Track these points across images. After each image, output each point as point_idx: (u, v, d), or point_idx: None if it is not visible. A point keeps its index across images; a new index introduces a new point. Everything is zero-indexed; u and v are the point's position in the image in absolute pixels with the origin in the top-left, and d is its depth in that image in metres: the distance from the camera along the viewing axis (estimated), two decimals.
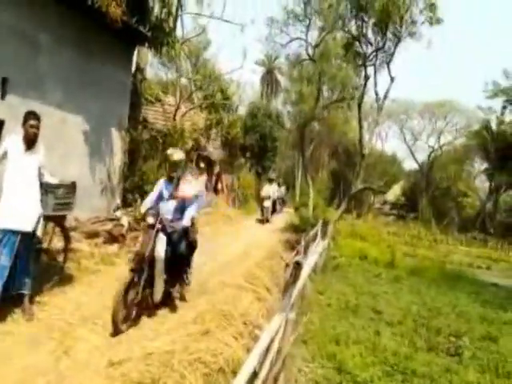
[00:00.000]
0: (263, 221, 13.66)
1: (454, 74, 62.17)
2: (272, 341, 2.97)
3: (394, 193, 39.32)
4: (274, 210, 14.64)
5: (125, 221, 6.76)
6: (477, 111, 32.04)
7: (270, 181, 15.53)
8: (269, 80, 37.65)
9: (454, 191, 31.89)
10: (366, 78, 13.63)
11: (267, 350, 2.89)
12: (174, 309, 4.33)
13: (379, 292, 7.36)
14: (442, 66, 68.80)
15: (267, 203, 13.89)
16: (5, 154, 3.61)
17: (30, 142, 3.70)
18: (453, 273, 10.26)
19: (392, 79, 13.05)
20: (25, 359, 2.94)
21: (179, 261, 4.27)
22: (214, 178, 16.06)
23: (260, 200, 14.50)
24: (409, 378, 4.08)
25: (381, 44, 12.94)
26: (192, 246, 4.55)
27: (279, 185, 18.88)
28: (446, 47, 56.57)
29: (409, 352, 4.71)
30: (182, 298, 4.62)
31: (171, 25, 9.63)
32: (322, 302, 6.21)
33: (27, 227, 3.57)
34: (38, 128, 3.72)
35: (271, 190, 14.47)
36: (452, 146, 36.68)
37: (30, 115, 3.71)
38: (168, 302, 4.33)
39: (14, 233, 3.51)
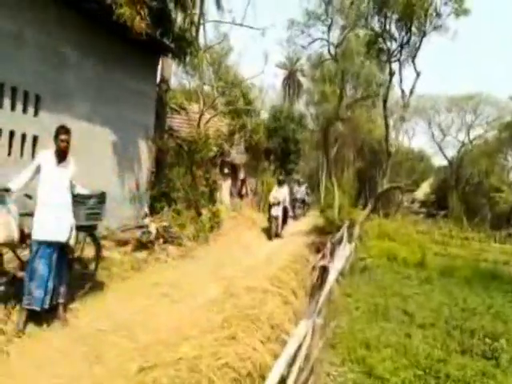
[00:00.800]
0: (271, 236, 10.52)
1: (482, 65, 59.91)
2: (300, 346, 2.97)
3: (423, 190, 38.20)
4: (284, 220, 11.27)
5: (153, 228, 6.94)
6: (509, 102, 30.70)
7: (280, 183, 11.56)
8: (290, 82, 37.60)
9: (485, 186, 30.58)
10: (391, 74, 13.36)
11: (295, 355, 2.90)
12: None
13: (409, 293, 7.18)
14: (468, 58, 66.30)
15: (276, 211, 10.61)
16: (38, 168, 3.79)
17: (62, 156, 3.87)
18: (487, 271, 9.85)
19: (418, 74, 12.74)
20: (59, 365, 3.07)
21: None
22: (238, 183, 16.16)
23: (268, 208, 11.24)
24: (442, 382, 3.96)
25: (405, 39, 12.64)
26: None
27: (299, 183, 17.75)
28: (472, 38, 54.44)
29: (442, 355, 4.57)
30: None
31: (194, 34, 9.84)
32: (350, 306, 6.12)
33: (61, 238, 3.73)
34: (68, 142, 3.89)
35: (281, 195, 10.95)
36: (483, 140, 35.25)
37: (61, 129, 3.88)
38: None
39: (49, 244, 3.68)
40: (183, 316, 4.28)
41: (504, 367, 4.42)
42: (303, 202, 16.82)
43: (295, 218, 15.12)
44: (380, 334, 5.08)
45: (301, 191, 16.66)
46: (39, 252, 3.66)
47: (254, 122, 17.89)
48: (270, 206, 10.76)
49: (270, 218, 10.65)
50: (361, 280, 7.84)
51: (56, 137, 3.85)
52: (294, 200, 15.64)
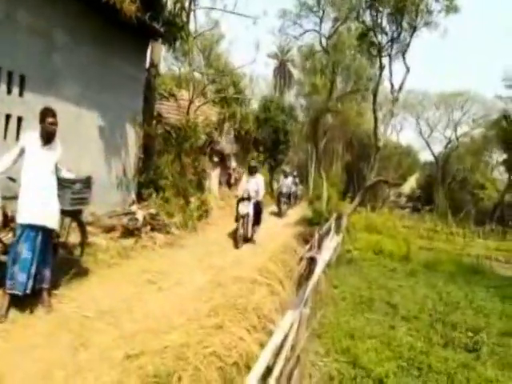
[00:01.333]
0: (237, 242, 7.73)
1: (470, 63, 60.63)
2: (286, 336, 2.97)
3: (410, 185, 38.78)
4: (257, 220, 8.41)
5: (140, 215, 6.84)
6: (496, 101, 31.18)
7: (252, 171, 8.72)
8: (281, 72, 37.44)
9: (470, 183, 31.24)
10: (381, 68, 13.40)
11: (281, 345, 2.90)
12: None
13: (394, 286, 7.30)
14: (456, 56, 66.99)
15: (245, 208, 7.92)
16: (22, 151, 3.67)
17: (48, 139, 3.75)
18: (470, 266, 10.08)
19: (407, 69, 12.80)
20: (43, 351, 3.01)
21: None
22: (227, 172, 16.08)
23: (236, 203, 8.41)
24: (424, 374, 4.05)
25: (396, 34, 12.69)
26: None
27: (285, 174, 15.38)
28: (461, 36, 54.92)
29: (425, 347, 4.67)
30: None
31: (184, 19, 9.63)
32: (336, 297, 6.19)
33: (46, 222, 3.63)
34: (55, 124, 3.77)
35: (253, 187, 8.29)
36: (469, 137, 35.87)
37: (48, 112, 3.75)
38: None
39: (33, 228, 3.58)
40: (170, 304, 4.24)
41: (484, 360, 4.55)
42: (289, 196, 14.81)
43: (280, 214, 13.60)
44: (365, 326, 5.16)
45: (286, 184, 14.55)
46: (23, 236, 3.57)
47: (244, 112, 17.76)
48: (239, 201, 8.14)
49: (238, 217, 7.97)
50: (347, 271, 7.94)
51: (43, 119, 3.72)
52: (279, 194, 14.24)
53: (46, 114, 3.73)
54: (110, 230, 6.23)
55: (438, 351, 4.62)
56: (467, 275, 9.11)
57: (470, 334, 5.21)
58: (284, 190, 14.15)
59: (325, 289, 6.25)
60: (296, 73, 36.50)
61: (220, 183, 14.98)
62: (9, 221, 3.82)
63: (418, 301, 6.58)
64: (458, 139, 36.36)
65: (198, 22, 13.80)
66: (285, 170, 16.61)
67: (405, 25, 12.39)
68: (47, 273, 3.77)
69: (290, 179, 15.34)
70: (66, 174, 4.07)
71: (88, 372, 2.79)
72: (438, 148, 37.89)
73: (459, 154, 34.78)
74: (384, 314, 5.77)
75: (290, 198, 15.07)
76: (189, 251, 6.79)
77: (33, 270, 3.59)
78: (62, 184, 3.96)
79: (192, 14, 12.11)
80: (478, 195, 29.16)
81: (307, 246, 8.31)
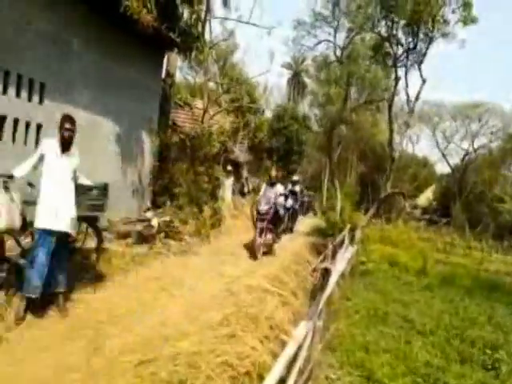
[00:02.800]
0: (255, 253, 7.38)
1: (489, 74, 59.82)
2: (300, 347, 2.93)
3: (426, 197, 38.14)
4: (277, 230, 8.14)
5: (154, 222, 6.91)
6: None
7: (272, 182, 8.28)
8: (295, 83, 37.60)
9: (489, 196, 30.53)
10: (397, 79, 13.35)
11: (295, 356, 2.86)
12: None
13: (410, 300, 7.13)
14: (475, 66, 66.21)
15: (261, 219, 7.56)
16: (42, 157, 3.75)
17: (66, 145, 3.83)
18: (488, 282, 9.79)
19: (424, 80, 12.73)
20: (58, 355, 3.04)
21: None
22: (240, 181, 16.13)
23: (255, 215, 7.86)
24: None
25: (412, 45, 12.65)
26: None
27: (293, 183, 12.44)
28: (480, 46, 54.39)
29: (441, 363, 4.53)
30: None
31: (200, 30, 9.81)
32: (350, 309, 6.08)
33: (63, 228, 3.70)
34: (73, 131, 3.85)
35: (271, 196, 7.86)
36: (487, 150, 35.19)
37: (66, 119, 3.84)
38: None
39: (51, 233, 3.65)
40: (183, 311, 4.24)
41: (504, 379, 4.38)
42: (292, 210, 11.20)
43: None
44: (379, 339, 5.04)
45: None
46: (40, 240, 3.63)
47: (257, 121, 17.88)
48: (257, 212, 7.74)
49: (256, 227, 7.64)
50: (361, 284, 7.80)
51: (61, 126, 3.81)
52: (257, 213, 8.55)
53: (64, 120, 3.82)
54: (124, 236, 6.31)
55: (454, 368, 4.47)
56: (486, 291, 8.84)
57: (489, 351, 5.03)
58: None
59: (338, 301, 6.15)
60: (310, 83, 36.60)
61: (233, 192, 15.03)
62: (27, 225, 3.89)
63: (434, 315, 6.41)
64: (475, 151, 35.74)
65: (213, 32, 13.97)
66: (292, 179, 12.93)
67: (421, 35, 12.36)
68: (63, 277, 3.83)
69: (296, 188, 11.94)
70: (83, 181, 4.14)
71: (101, 376, 2.81)
72: (455, 160, 37.32)
73: (477, 166, 34.11)
74: (399, 327, 5.63)
75: (293, 214, 11.30)
76: (201, 259, 6.81)
77: (50, 275, 3.65)
78: (80, 191, 4.03)
79: (207, 24, 12.32)
80: (496, 209, 28.45)
81: (320, 257, 8.22)
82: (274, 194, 7.98)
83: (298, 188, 12.71)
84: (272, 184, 8.26)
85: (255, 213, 7.84)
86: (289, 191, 10.81)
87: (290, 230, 11.56)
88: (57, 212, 3.67)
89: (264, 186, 8.53)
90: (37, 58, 5.41)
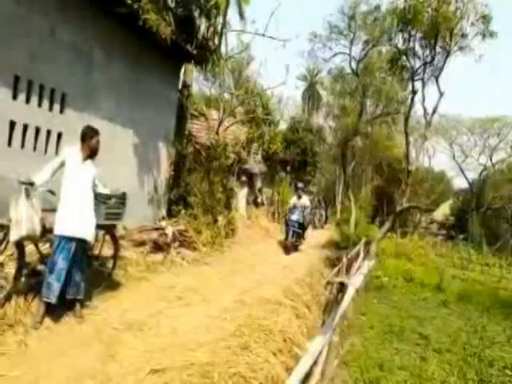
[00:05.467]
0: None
1: (508, 87, 58.85)
2: (315, 362, 2.90)
3: (443, 212, 37.47)
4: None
5: (169, 230, 6.97)
6: None
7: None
8: (310, 94, 37.71)
9: (508, 212, 29.79)
10: (414, 92, 13.28)
11: (309, 371, 2.83)
12: None
13: (426, 316, 6.98)
14: (492, 80, 65.28)
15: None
16: (62, 163, 3.84)
17: (91, 155, 3.95)
18: (507, 300, 9.50)
19: (441, 94, 12.62)
20: (74, 360, 3.08)
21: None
22: (254, 192, 16.17)
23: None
24: None
25: (429, 58, 12.59)
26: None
27: (299, 195, 10.74)
28: (496, 60, 53.67)
29: (458, 383, 4.40)
30: None
31: (216, 42, 9.99)
32: (364, 324, 5.99)
33: (82, 235, 3.78)
34: (98, 141, 3.99)
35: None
36: (506, 164, 34.45)
37: (94, 131, 3.98)
38: None
39: (70, 240, 3.72)
40: (196, 321, 4.25)
41: None
42: (301, 226, 10.18)
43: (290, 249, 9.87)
44: (394, 356, 4.94)
45: (299, 208, 10.18)
46: (60, 247, 3.71)
47: (272, 132, 17.95)
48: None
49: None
50: (375, 299, 7.68)
51: (90, 137, 3.92)
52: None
53: (93, 132, 3.95)
54: (140, 244, 6.37)
55: None
56: (505, 309, 8.56)
57: (509, 372, 4.87)
58: (294, 217, 10.04)
59: (353, 316, 6.06)
60: (325, 95, 36.67)
61: (247, 202, 15.06)
62: (47, 232, 3.98)
63: (450, 333, 6.24)
64: (494, 166, 35.03)
65: (229, 44, 14.21)
66: (298, 186, 11.64)
67: (438, 49, 12.31)
68: (82, 284, 3.89)
69: (304, 200, 10.91)
70: (102, 190, 4.22)
71: (116, 383, 2.82)
72: (473, 174, 36.63)
73: (496, 181, 33.38)
74: (414, 344, 5.51)
75: (302, 230, 10.61)
76: (215, 269, 6.81)
77: (68, 280, 3.71)
78: (98, 199, 4.11)
79: (224, 37, 12.52)
80: None
81: (335, 270, 8.15)
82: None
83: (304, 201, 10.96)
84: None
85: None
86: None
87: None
88: (76, 219, 3.76)
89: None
90: (60, 69, 5.55)
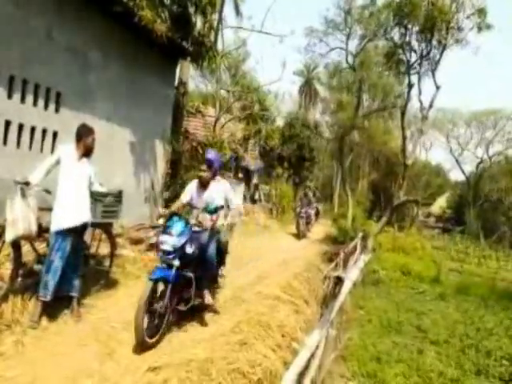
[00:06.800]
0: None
1: (504, 80, 58.89)
2: (312, 356, 2.91)
3: (439, 205, 37.64)
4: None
5: None
6: None
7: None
8: (307, 90, 37.64)
9: (505, 204, 29.94)
10: (410, 86, 13.27)
11: (307, 365, 2.84)
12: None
13: (423, 309, 7.03)
14: (488, 73, 65.36)
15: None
16: (58, 161, 3.80)
17: (88, 154, 3.93)
18: (505, 291, 9.58)
19: (438, 87, 12.62)
20: (71, 359, 3.08)
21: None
22: (251, 188, 16.17)
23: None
24: None
25: (425, 52, 12.58)
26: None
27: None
28: (492, 52, 53.68)
29: (456, 374, 4.44)
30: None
31: (212, 39, 9.93)
32: (362, 318, 6.02)
33: (78, 221, 3.73)
34: (94, 140, 3.98)
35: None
36: (503, 157, 34.59)
37: (89, 129, 3.95)
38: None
39: (65, 236, 3.70)
40: (194, 318, 4.25)
41: None
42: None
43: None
44: (392, 349, 4.98)
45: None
46: (56, 245, 3.69)
47: (269, 128, 17.93)
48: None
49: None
50: (373, 293, 7.72)
51: (86, 136, 3.89)
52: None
53: (89, 131, 3.92)
54: (137, 242, 6.36)
55: (470, 379, 4.39)
56: (502, 301, 8.63)
57: (506, 362, 4.92)
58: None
59: (350, 309, 6.09)
60: (322, 90, 36.63)
61: (244, 199, 15.07)
62: (43, 231, 3.97)
63: (448, 325, 6.29)
64: (490, 159, 35.15)
65: (225, 40, 14.12)
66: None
67: (434, 42, 12.29)
68: (77, 282, 3.88)
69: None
70: (98, 188, 4.20)
71: (114, 382, 2.83)
72: (469, 167, 36.77)
73: (492, 174, 33.53)
74: (412, 337, 5.55)
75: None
76: None
77: (63, 278, 3.70)
78: (94, 197, 4.09)
79: (220, 33, 12.46)
80: None
81: (332, 265, 8.18)
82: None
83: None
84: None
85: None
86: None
87: None
88: (70, 212, 3.72)
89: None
90: (56, 69, 5.54)
